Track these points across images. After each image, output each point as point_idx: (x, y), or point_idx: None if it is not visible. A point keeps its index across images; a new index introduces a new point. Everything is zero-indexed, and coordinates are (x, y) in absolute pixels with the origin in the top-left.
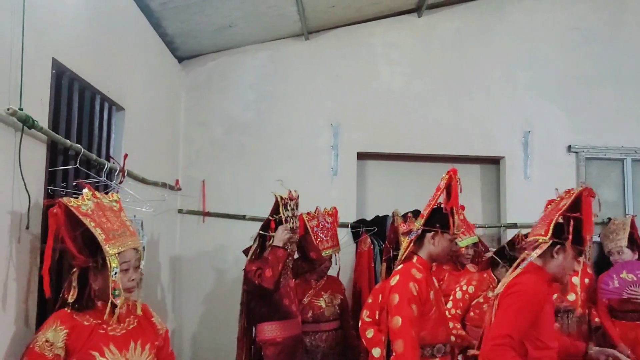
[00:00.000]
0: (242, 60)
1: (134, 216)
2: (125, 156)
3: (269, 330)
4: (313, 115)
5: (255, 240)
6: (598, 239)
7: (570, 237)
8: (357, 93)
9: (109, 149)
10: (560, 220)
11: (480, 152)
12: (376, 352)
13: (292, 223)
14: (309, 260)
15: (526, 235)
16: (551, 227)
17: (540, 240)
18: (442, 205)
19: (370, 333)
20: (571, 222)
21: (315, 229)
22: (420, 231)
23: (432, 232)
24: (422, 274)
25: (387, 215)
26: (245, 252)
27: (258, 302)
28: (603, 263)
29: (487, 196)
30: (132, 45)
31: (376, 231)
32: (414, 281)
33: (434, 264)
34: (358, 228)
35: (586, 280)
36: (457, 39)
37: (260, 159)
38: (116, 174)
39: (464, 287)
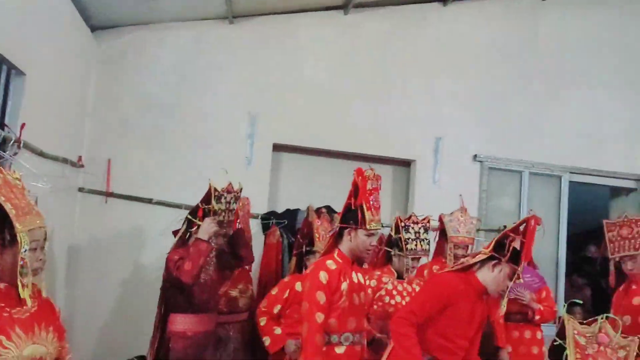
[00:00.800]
0: (162, 37)
1: (28, 191)
2: (23, 125)
3: (181, 322)
4: (232, 102)
5: (183, 224)
6: None
7: (508, 255)
8: (278, 84)
9: (4, 116)
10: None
11: (394, 154)
12: (266, 340)
13: (224, 217)
14: (238, 257)
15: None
16: (493, 243)
17: (482, 252)
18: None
19: (263, 321)
20: (510, 242)
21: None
22: (338, 228)
23: (348, 229)
24: (337, 265)
25: (299, 209)
26: (175, 233)
27: (174, 291)
28: None
29: (397, 197)
30: (38, 7)
31: (286, 224)
32: (326, 271)
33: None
34: (268, 220)
35: None
36: (381, 40)
37: (173, 142)
38: (10, 144)
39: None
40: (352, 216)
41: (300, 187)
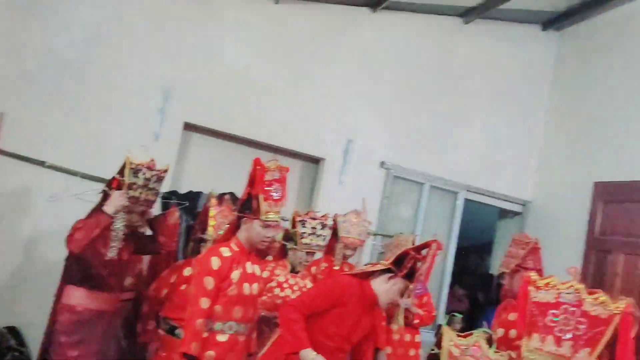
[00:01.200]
0: None
1: None
2: None
3: (73, 296)
4: (145, 72)
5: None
6: None
7: (405, 271)
8: (196, 62)
9: None
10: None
11: (305, 149)
12: (150, 324)
13: (140, 193)
14: (155, 242)
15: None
16: (394, 257)
17: (382, 263)
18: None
19: (145, 307)
20: (410, 260)
21: None
22: (236, 217)
23: (245, 218)
24: (232, 253)
25: (202, 192)
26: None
27: (71, 261)
28: None
29: (303, 193)
30: None
31: (187, 207)
32: (219, 257)
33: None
34: (169, 199)
35: None
36: (306, 35)
37: (77, 104)
38: None
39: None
40: (248, 205)
41: (207, 171)
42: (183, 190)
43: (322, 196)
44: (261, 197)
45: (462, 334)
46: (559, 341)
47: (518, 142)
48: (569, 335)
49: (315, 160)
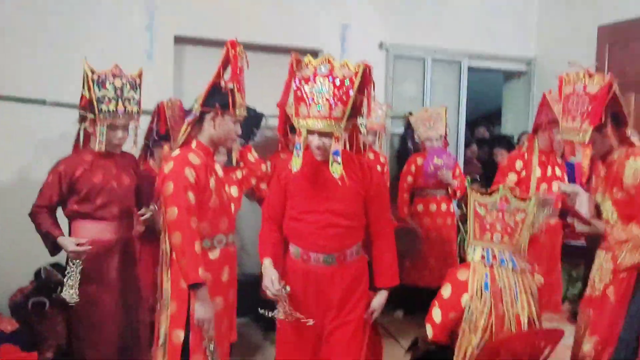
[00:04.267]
0: None
1: None
2: None
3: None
4: None
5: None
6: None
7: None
8: None
9: None
10: None
11: (300, 43)
12: None
13: (117, 106)
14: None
15: None
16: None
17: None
18: (222, 83)
19: None
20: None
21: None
22: (199, 112)
23: (212, 113)
24: (200, 159)
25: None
26: None
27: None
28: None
29: None
30: None
31: None
32: (191, 167)
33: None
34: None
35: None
36: None
37: (65, 37)
38: None
39: None
40: (220, 98)
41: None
42: (187, 106)
43: None
44: (236, 87)
45: (487, 191)
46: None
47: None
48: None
49: (314, 53)
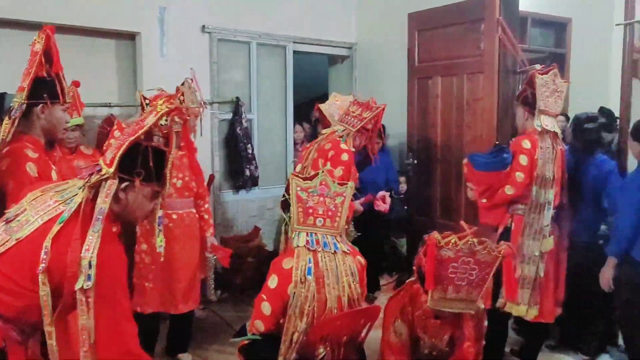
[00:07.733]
0: None
1: None
2: None
3: None
4: None
5: None
6: None
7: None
8: None
9: None
10: None
11: (116, 26)
12: None
13: None
14: None
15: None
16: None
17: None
18: (46, 73)
19: None
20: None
21: None
22: (24, 106)
23: (40, 105)
24: (37, 153)
25: (6, 93)
26: None
27: None
28: None
29: (124, 73)
30: None
31: None
32: (32, 162)
33: None
34: None
35: None
36: None
37: None
38: None
39: None
40: (47, 88)
41: (17, 67)
42: None
43: (145, 73)
44: (61, 74)
45: (308, 177)
46: (457, 288)
47: None
48: (464, 283)
49: (131, 36)
